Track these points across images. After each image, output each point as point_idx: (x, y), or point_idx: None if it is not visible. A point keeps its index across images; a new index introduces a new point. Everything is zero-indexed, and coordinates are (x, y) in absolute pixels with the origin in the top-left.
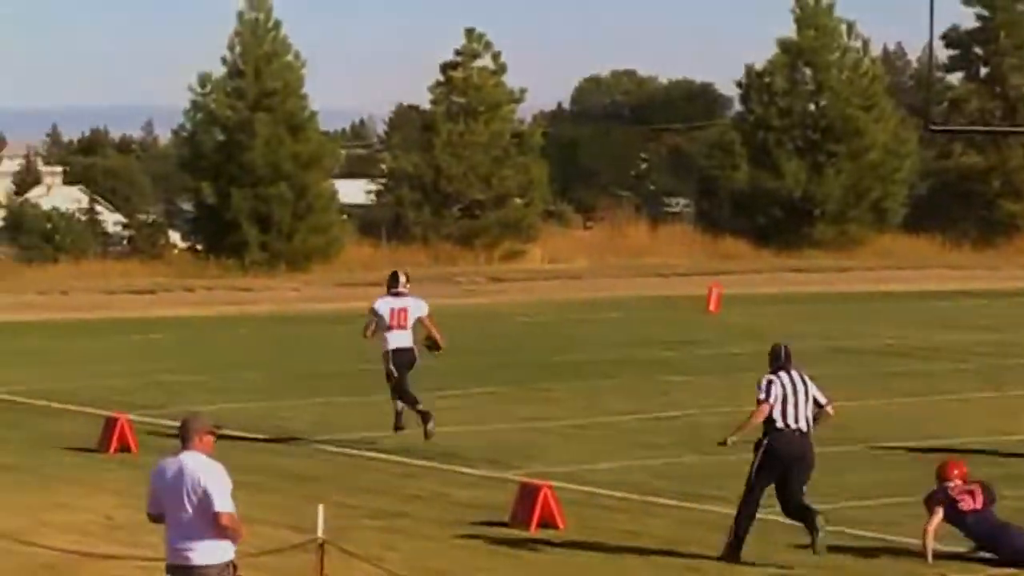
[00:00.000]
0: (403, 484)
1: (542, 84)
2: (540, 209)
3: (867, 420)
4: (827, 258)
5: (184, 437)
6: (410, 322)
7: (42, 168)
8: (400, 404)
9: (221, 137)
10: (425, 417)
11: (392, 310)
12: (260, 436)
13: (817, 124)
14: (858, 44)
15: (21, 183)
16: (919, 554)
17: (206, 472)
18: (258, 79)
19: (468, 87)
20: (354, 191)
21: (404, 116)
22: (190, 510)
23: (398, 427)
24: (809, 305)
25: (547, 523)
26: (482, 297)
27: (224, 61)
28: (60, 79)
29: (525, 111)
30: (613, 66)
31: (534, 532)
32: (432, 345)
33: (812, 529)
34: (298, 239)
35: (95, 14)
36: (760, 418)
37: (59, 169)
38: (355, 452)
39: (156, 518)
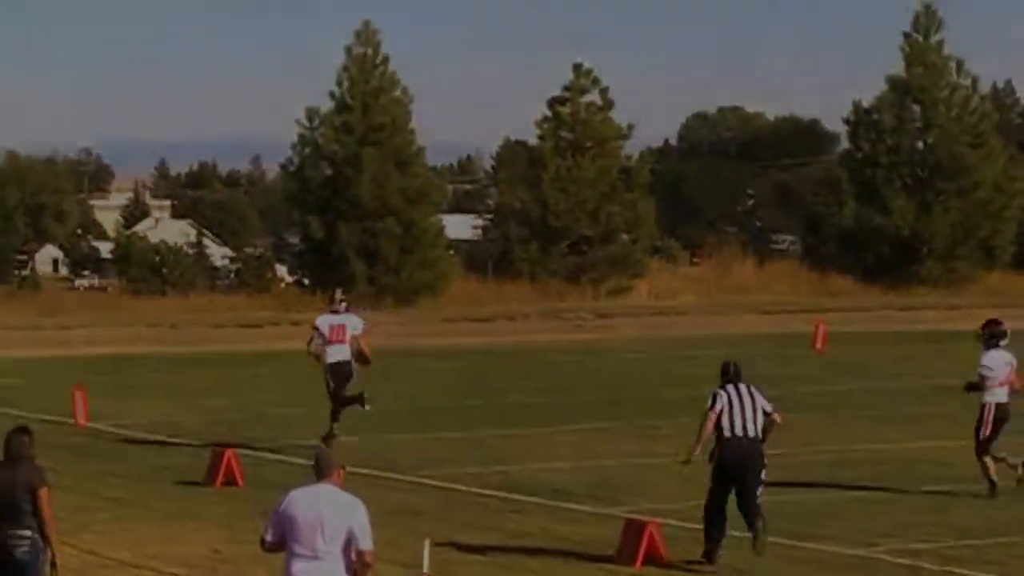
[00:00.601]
0: (509, 520)
1: (649, 120)
2: (647, 245)
3: (972, 459)
4: (935, 296)
5: (322, 470)
6: (347, 337)
7: (150, 201)
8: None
9: (328, 171)
10: (328, 439)
11: (332, 326)
12: (367, 471)
13: (925, 161)
14: (967, 81)
15: (129, 216)
16: None
17: (351, 508)
18: (366, 114)
19: (576, 122)
20: (461, 226)
21: (511, 151)
22: (327, 542)
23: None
24: (916, 343)
25: (652, 559)
26: (589, 333)
27: (332, 96)
28: (168, 113)
29: (632, 147)
30: (720, 102)
31: (639, 568)
32: (360, 359)
33: (752, 528)
34: (405, 274)
35: (202, 49)
36: (709, 426)
37: (167, 202)
38: (461, 487)
39: (273, 546)
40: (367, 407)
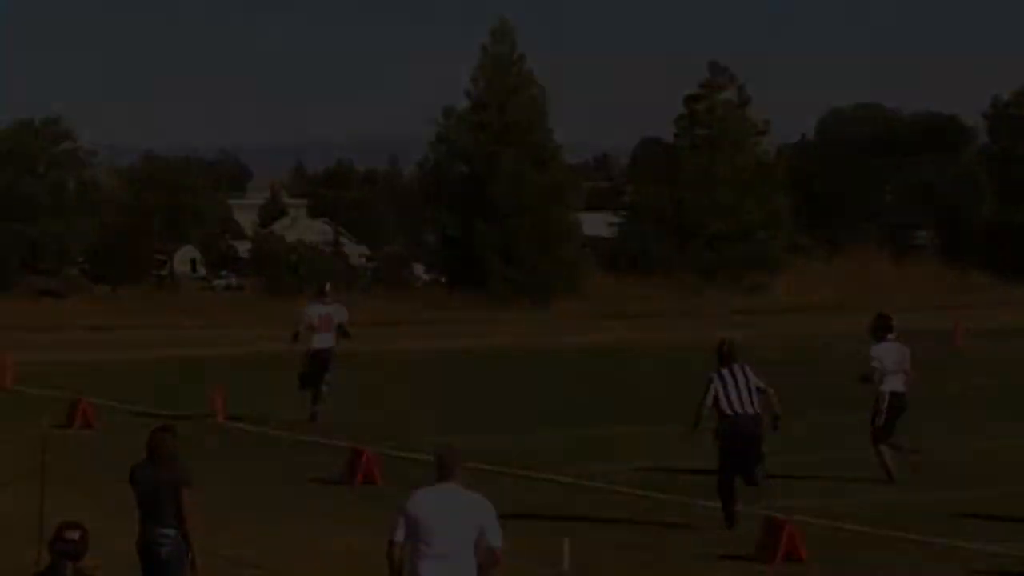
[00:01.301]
0: (647, 516)
1: (785, 116)
2: (784, 242)
3: None
4: None
5: (449, 468)
6: (332, 326)
7: (287, 200)
8: (322, 390)
9: (465, 170)
10: (315, 399)
11: (320, 316)
12: (505, 469)
13: None
14: None
15: (266, 215)
16: None
17: (480, 507)
18: (502, 112)
19: (712, 120)
20: (596, 223)
21: (647, 149)
22: (456, 542)
23: (313, 414)
24: None
25: (791, 557)
26: (726, 330)
27: (468, 94)
28: (304, 114)
29: (768, 143)
30: (856, 98)
31: (779, 566)
32: (343, 332)
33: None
34: (541, 272)
35: (338, 50)
36: (706, 405)
37: (303, 201)
38: (599, 484)
39: (402, 547)
40: (316, 411)
